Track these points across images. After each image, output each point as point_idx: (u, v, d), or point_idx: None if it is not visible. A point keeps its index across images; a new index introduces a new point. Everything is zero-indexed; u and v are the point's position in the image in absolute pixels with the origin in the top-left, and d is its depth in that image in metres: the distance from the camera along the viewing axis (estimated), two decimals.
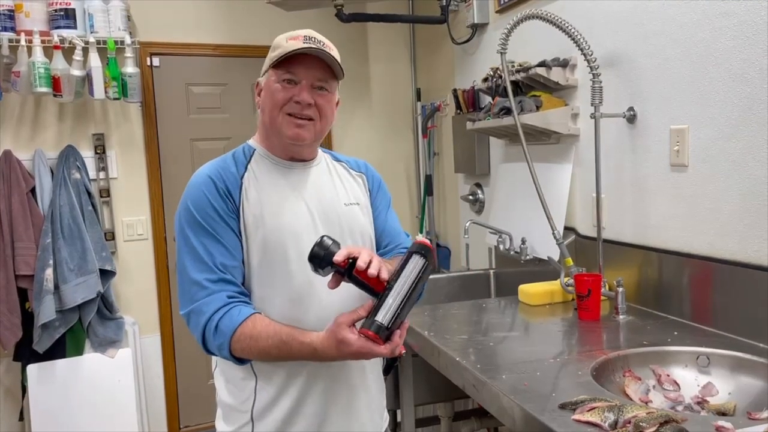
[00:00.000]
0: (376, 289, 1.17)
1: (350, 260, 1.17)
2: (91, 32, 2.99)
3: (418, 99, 3.71)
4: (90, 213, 3.04)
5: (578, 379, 1.37)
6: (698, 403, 1.38)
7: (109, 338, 3.07)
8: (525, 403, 1.25)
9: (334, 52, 1.33)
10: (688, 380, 1.46)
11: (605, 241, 2.03)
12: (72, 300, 2.89)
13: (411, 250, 1.18)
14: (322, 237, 1.19)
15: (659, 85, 1.85)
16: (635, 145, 1.97)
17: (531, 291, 2.09)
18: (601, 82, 1.93)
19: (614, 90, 2.02)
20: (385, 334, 1.11)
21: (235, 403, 1.34)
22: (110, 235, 3.21)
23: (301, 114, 1.31)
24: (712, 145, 1.68)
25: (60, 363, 2.97)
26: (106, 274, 3.04)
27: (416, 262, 1.16)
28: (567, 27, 1.94)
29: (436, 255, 1.18)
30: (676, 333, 1.67)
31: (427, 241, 1.17)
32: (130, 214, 3.29)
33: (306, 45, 1.29)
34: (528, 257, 2.45)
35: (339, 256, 1.16)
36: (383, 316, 1.11)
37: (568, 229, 2.28)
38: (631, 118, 1.96)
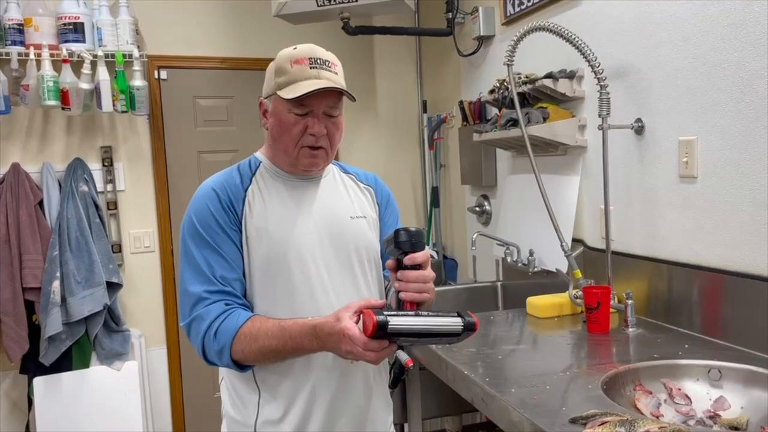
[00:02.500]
0: (404, 304, 1.18)
1: (414, 266, 1.18)
2: (100, 46, 3.01)
3: (425, 111, 3.71)
4: (97, 225, 3.05)
5: (588, 393, 1.35)
6: (710, 417, 1.36)
7: (115, 351, 3.07)
8: (535, 417, 1.24)
9: (339, 69, 1.33)
10: (700, 394, 1.44)
11: (614, 253, 2.02)
12: (79, 312, 2.89)
13: (461, 313, 1.15)
14: (420, 230, 1.21)
15: (667, 96, 1.84)
16: (643, 157, 1.96)
17: (539, 303, 2.07)
18: (608, 93, 1.93)
19: (622, 101, 2.01)
20: (380, 332, 1.07)
21: (239, 416, 1.34)
22: (117, 248, 3.22)
23: (315, 145, 1.31)
24: (721, 156, 1.67)
25: (66, 376, 2.97)
26: (112, 287, 3.04)
27: (453, 321, 1.13)
28: (574, 38, 1.94)
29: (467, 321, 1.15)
30: (686, 346, 1.65)
31: (477, 322, 1.14)
32: (137, 227, 3.30)
33: (314, 73, 1.28)
34: (536, 269, 2.43)
35: (409, 259, 1.18)
36: (393, 320, 1.08)
37: (577, 241, 2.26)
38: (639, 130, 1.95)
